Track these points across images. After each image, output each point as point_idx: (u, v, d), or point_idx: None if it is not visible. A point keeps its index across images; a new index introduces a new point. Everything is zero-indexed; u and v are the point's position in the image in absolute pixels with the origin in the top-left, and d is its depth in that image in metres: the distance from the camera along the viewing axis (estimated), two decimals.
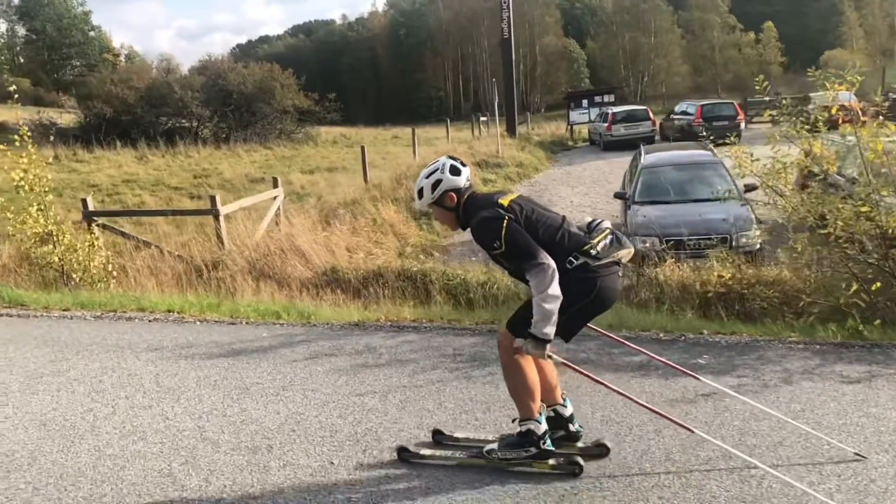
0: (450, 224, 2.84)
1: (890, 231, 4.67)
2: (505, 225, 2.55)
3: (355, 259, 8.54)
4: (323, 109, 26.05)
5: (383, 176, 15.28)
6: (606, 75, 61.19)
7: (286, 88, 25.53)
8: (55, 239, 7.25)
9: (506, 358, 2.75)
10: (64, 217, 8.19)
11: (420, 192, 2.78)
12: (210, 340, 4.64)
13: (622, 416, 3.24)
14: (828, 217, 5.28)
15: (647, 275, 6.52)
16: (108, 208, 12.91)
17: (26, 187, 7.16)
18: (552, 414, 2.91)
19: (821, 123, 5.42)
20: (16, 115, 27.91)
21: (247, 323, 5.10)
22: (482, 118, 27.47)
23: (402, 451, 2.93)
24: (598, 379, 2.87)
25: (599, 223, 2.79)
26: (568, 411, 2.96)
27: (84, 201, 8.59)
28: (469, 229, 2.74)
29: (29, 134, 7.21)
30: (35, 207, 7.20)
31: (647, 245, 7.80)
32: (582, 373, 2.85)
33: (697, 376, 3.20)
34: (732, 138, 6.02)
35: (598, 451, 2.91)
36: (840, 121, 5.14)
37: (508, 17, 24.06)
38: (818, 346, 4.04)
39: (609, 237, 2.71)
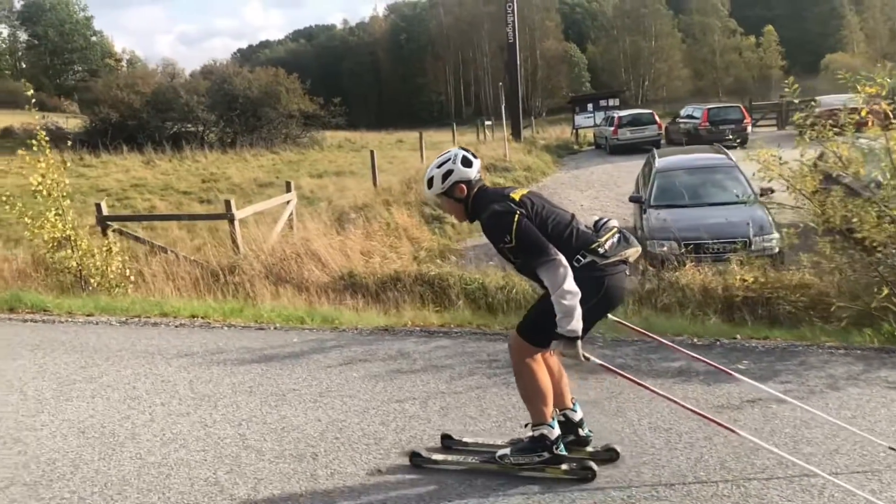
0: (457, 215, 2.84)
1: None
2: (516, 220, 2.53)
3: (371, 263, 8.51)
4: (328, 114, 26.08)
5: (392, 180, 15.27)
6: (607, 79, 61.31)
7: (291, 93, 25.54)
8: (73, 244, 7.22)
9: (518, 362, 2.73)
10: (77, 222, 8.16)
11: (430, 181, 2.77)
12: (240, 346, 4.60)
13: (670, 423, 3.20)
14: (854, 221, 5.26)
15: (666, 279, 6.49)
16: (118, 213, 12.85)
17: (44, 192, 7.13)
18: (562, 418, 2.89)
19: (850, 126, 5.39)
20: (28, 119, 27.92)
21: (275, 328, 5.06)
22: (486, 122, 27.49)
23: (415, 457, 2.91)
24: (639, 381, 2.84)
25: (606, 222, 2.79)
26: (578, 416, 2.95)
27: (98, 206, 8.57)
28: (477, 222, 2.74)
29: (47, 139, 7.17)
30: (53, 212, 7.17)
31: (665, 249, 7.78)
32: (621, 374, 2.83)
33: (758, 384, 3.17)
34: (761, 141, 5.95)
35: (608, 455, 2.89)
36: (870, 123, 5.12)
37: (513, 21, 24.14)
38: (859, 352, 4.01)
39: (616, 236, 2.72)
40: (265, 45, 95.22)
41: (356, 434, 3.24)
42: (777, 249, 7.62)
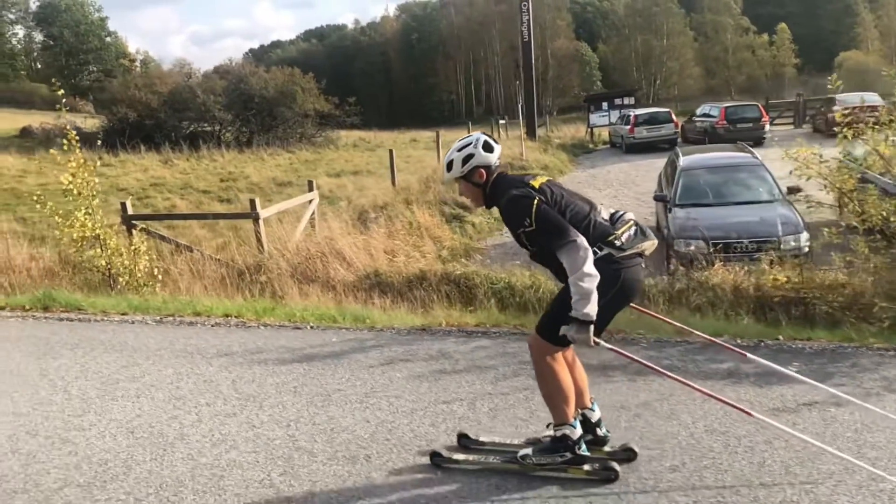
0: (475, 200, 2.82)
1: None
2: (535, 203, 2.53)
3: (396, 263, 8.49)
4: (343, 113, 26.12)
5: (410, 179, 15.25)
6: (618, 78, 61.00)
7: (307, 92, 25.60)
8: (102, 243, 7.25)
9: (538, 362, 2.71)
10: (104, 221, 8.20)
11: (450, 164, 2.76)
12: (279, 345, 4.59)
13: (726, 426, 3.14)
14: (892, 220, 5.16)
15: (695, 278, 6.41)
16: (139, 212, 12.92)
17: (75, 191, 7.16)
18: (580, 418, 2.86)
19: (893, 124, 5.30)
20: (46, 119, 28.19)
21: (311, 328, 5.05)
22: (501, 121, 27.41)
23: (435, 456, 2.90)
24: (652, 366, 2.82)
25: (623, 214, 2.77)
26: (596, 415, 2.93)
27: (123, 205, 8.60)
28: (496, 207, 2.72)
29: (77, 138, 7.20)
30: (83, 211, 7.20)
31: (693, 248, 7.69)
32: (633, 359, 2.82)
33: (822, 385, 3.12)
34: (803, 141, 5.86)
35: (626, 455, 2.86)
36: None
37: (528, 20, 24.04)
38: None
39: (633, 228, 2.70)
40: (277, 45, 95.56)
41: (407, 436, 3.21)
42: (807, 249, 7.52)
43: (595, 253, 2.53)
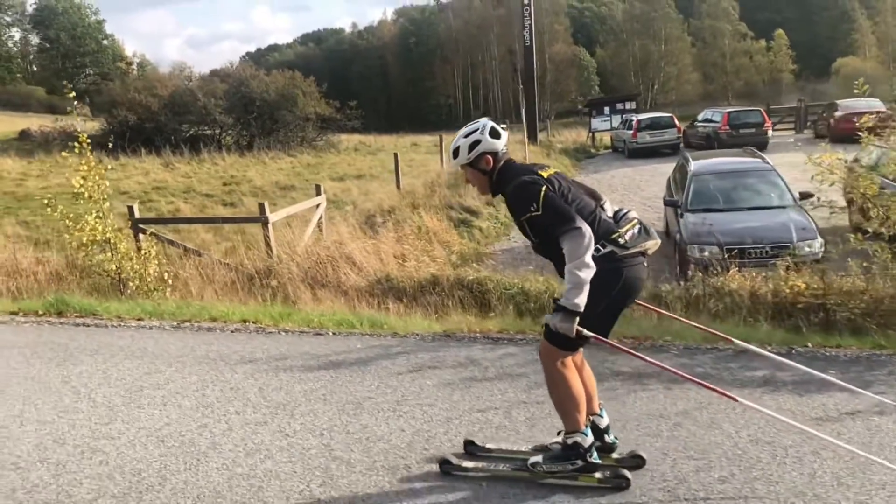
0: (481, 188, 2.80)
1: None
2: (544, 190, 2.51)
3: (407, 267, 8.43)
4: (344, 117, 26.07)
5: (415, 183, 15.20)
6: (616, 83, 61.20)
7: (308, 96, 25.55)
8: (112, 246, 7.17)
9: (549, 368, 2.69)
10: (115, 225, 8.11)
11: (456, 151, 2.74)
12: (303, 352, 4.52)
13: (771, 436, 3.09)
14: None
15: (710, 283, 6.38)
16: (143, 216, 12.82)
17: (86, 195, 7.08)
18: (589, 423, 2.81)
19: None
20: (44, 122, 28.03)
21: (333, 334, 4.98)
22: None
23: (444, 464, 2.86)
24: (636, 353, 2.81)
25: (626, 213, 2.75)
26: (604, 422, 2.90)
27: (130, 209, 8.51)
28: (502, 195, 2.69)
29: (88, 141, 7.12)
30: (93, 215, 7.12)
31: (706, 254, 7.65)
32: (616, 347, 2.80)
33: (868, 392, 3.07)
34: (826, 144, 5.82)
35: (634, 462, 2.84)
36: None
37: (530, 25, 24.07)
38: None
39: (637, 227, 2.68)
40: (274, 48, 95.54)
41: (445, 445, 3.15)
42: (821, 255, 7.50)
43: (598, 250, 2.52)
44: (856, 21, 57.02)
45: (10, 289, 7.63)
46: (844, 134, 16.36)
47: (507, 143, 2.74)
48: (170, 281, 7.32)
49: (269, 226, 8.43)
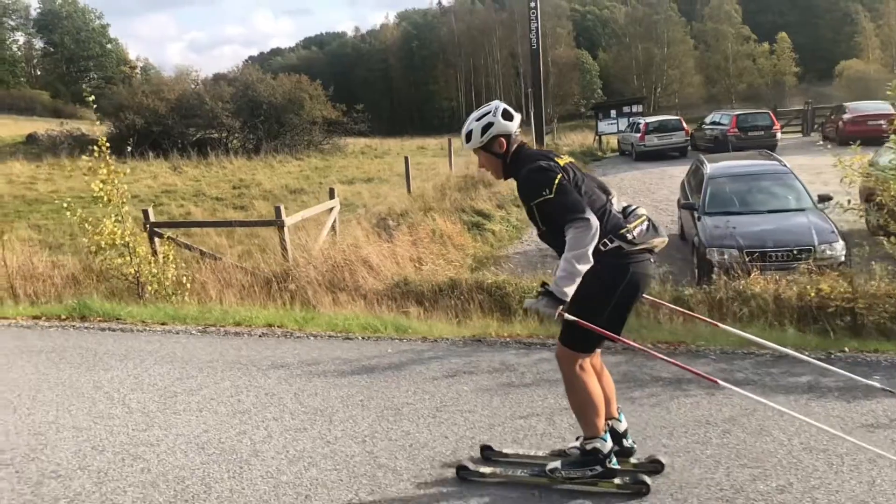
0: (494, 172, 2.77)
1: None
2: (559, 177, 2.48)
3: (424, 271, 8.39)
4: (350, 120, 26.07)
5: (425, 186, 15.18)
6: (619, 86, 61.19)
7: (314, 99, 25.55)
8: (131, 250, 7.14)
9: (568, 373, 2.67)
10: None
11: (468, 134, 2.70)
12: (334, 357, 4.48)
13: (824, 444, 3.03)
14: None
15: (732, 287, 6.33)
16: (156, 220, 12.79)
17: (105, 198, 7.05)
18: (607, 427, 2.79)
19: None
20: (51, 126, 28.03)
21: (363, 338, 4.93)
22: None
23: (461, 470, 2.84)
24: (614, 335, 2.68)
25: (635, 209, 2.72)
26: (622, 426, 2.87)
27: (145, 212, 8.48)
28: (515, 178, 2.66)
29: (108, 145, 7.09)
30: (112, 219, 7.09)
31: (726, 257, 7.60)
32: (598, 331, 2.69)
33: None
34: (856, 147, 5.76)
35: (653, 467, 2.81)
36: None
37: (537, 28, 24.03)
38: None
39: (645, 223, 2.66)
40: (277, 52, 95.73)
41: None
42: (843, 258, 7.46)
43: (605, 244, 2.50)
44: (859, 24, 56.98)
45: (27, 293, 7.60)
46: (853, 136, 16.30)
47: (519, 124, 2.71)
48: (188, 285, 7.28)
49: (286, 229, 8.40)
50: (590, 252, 2.39)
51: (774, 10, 65.17)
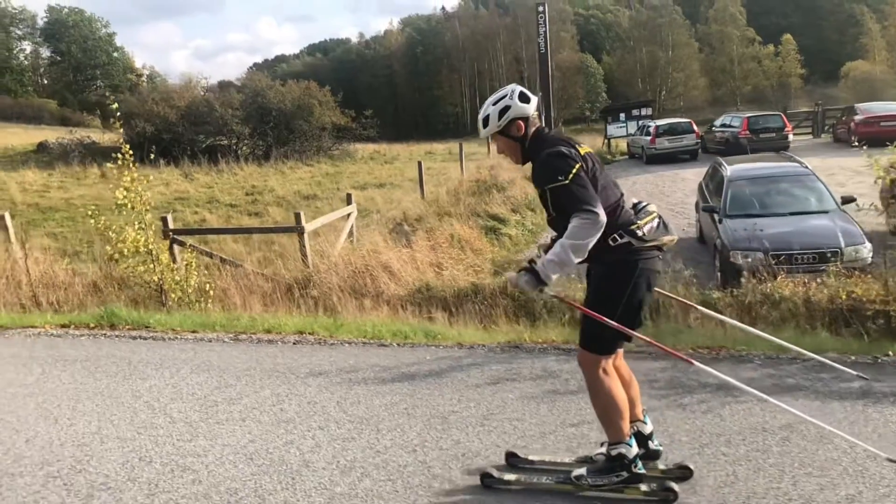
0: (513, 156, 2.72)
1: None
2: (577, 167, 2.45)
3: (445, 276, 8.35)
4: (359, 126, 26.10)
5: (438, 191, 15.16)
6: (624, 89, 61.17)
7: (324, 106, 25.60)
8: (155, 258, 7.11)
9: (591, 377, 2.63)
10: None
11: (485, 119, 2.67)
12: (372, 364, 4.43)
13: (889, 452, 2.96)
14: None
15: (760, 290, 6.26)
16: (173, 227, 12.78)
17: (129, 206, 7.04)
18: (633, 430, 2.75)
19: None
20: (61, 134, 28.15)
21: (398, 345, 4.88)
22: None
23: (486, 478, 2.81)
24: (583, 308, 2.69)
25: (646, 206, 2.70)
26: (648, 428, 2.83)
27: (164, 219, 8.47)
28: (532, 162, 2.61)
29: (131, 153, 7.09)
30: (137, 225, 7.08)
31: (750, 260, 7.53)
32: (579, 307, 2.77)
33: None
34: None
35: (682, 473, 2.76)
36: None
37: (545, 32, 24.07)
38: None
39: (656, 220, 2.63)
40: (281, 59, 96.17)
41: None
42: (869, 260, 7.38)
43: (615, 239, 2.50)
44: (864, 25, 56.83)
45: (49, 301, 7.58)
46: (866, 137, 16.24)
47: (537, 107, 2.68)
48: (211, 292, 7.26)
49: (305, 236, 8.37)
50: (588, 245, 2.37)
51: (778, 12, 65.07)
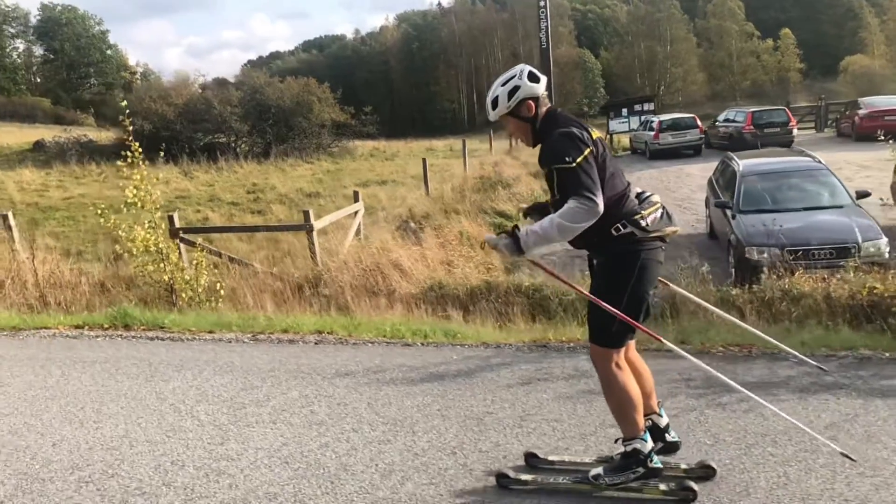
0: (524, 137, 2.68)
1: None
2: (587, 151, 2.42)
3: (456, 274, 8.27)
4: (359, 123, 25.95)
5: (442, 188, 15.07)
6: (622, 85, 61.11)
7: (323, 102, 25.44)
8: (165, 257, 7.02)
9: (604, 372, 2.60)
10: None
11: (494, 101, 2.62)
12: (398, 364, 4.35)
13: None
14: None
15: (779, 287, 6.20)
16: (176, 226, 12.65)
17: (139, 204, 6.93)
18: (648, 423, 2.72)
19: None
20: (57, 133, 27.88)
21: (422, 344, 4.81)
22: None
23: (502, 478, 2.77)
24: (560, 276, 2.86)
25: (650, 196, 2.66)
26: (664, 421, 2.81)
27: (170, 218, 8.36)
28: (542, 141, 2.56)
29: (140, 150, 6.98)
30: (147, 224, 6.98)
31: (766, 256, 7.48)
32: (552, 273, 2.80)
33: None
34: None
35: (704, 472, 2.73)
36: None
37: (546, 27, 23.95)
38: None
39: (659, 210, 2.60)
40: (276, 56, 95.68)
41: None
42: (887, 255, 7.35)
43: (618, 229, 2.48)
44: (863, 19, 56.89)
45: (57, 301, 7.47)
46: (870, 132, 16.23)
47: (546, 87, 2.62)
48: (222, 292, 7.16)
49: (314, 233, 8.29)
50: (577, 230, 2.37)
51: (776, 6, 65.11)
